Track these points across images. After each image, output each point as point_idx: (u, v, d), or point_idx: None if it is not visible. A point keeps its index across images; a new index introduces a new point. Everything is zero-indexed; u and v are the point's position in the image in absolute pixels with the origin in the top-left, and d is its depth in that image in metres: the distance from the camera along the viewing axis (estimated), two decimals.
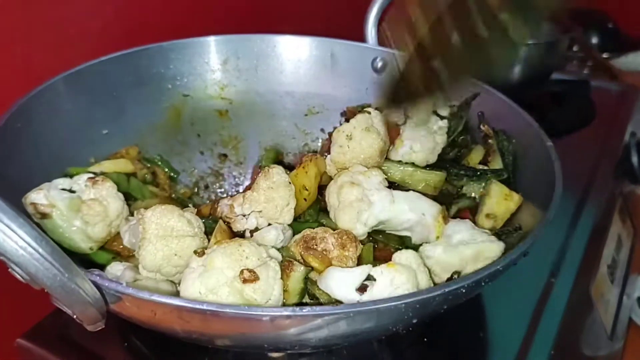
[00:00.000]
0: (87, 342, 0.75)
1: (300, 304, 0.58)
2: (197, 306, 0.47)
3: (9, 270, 0.50)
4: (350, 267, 0.59)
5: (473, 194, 0.77)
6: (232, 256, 0.55)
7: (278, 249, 0.60)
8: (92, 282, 0.48)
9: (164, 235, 0.56)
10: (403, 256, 0.62)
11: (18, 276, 0.49)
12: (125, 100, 0.93)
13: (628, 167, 1.35)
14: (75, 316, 0.47)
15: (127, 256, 0.66)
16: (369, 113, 0.76)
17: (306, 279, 0.58)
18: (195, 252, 0.57)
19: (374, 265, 0.58)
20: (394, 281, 0.57)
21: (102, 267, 0.66)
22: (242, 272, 0.53)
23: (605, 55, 2.32)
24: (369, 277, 0.58)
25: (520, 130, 0.84)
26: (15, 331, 0.76)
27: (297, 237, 0.63)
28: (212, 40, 1.01)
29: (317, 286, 0.58)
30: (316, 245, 0.60)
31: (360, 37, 1.08)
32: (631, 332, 1.15)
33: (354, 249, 0.60)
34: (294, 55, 1.04)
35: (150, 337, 0.74)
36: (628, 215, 1.21)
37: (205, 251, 0.57)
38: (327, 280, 0.57)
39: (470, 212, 0.76)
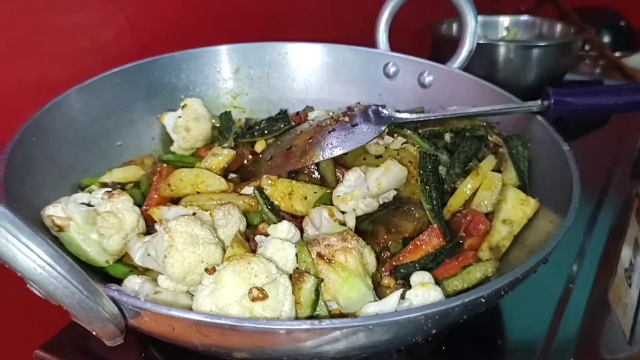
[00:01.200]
0: (104, 354, 0.75)
1: (313, 316, 0.58)
2: (216, 320, 0.47)
3: (27, 285, 0.51)
4: (356, 257, 0.60)
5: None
6: (241, 274, 0.54)
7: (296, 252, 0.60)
8: (110, 298, 0.48)
9: (191, 243, 0.57)
10: (427, 276, 0.64)
11: (36, 292, 0.49)
12: (138, 111, 0.94)
13: None
14: (94, 332, 0.47)
15: (144, 270, 0.66)
16: None
17: (318, 290, 0.57)
18: (206, 269, 0.57)
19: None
20: (429, 299, 0.59)
21: (119, 281, 0.66)
22: (250, 290, 0.53)
23: (618, 54, 2.29)
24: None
25: (536, 135, 0.84)
26: (34, 342, 0.76)
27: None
28: (223, 49, 1.01)
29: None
30: (319, 243, 0.61)
31: (372, 43, 1.07)
32: None
33: (355, 241, 0.63)
34: (305, 63, 1.05)
35: (168, 349, 0.74)
36: None
37: (216, 268, 0.57)
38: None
39: (487, 217, 0.75)
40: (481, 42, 1.32)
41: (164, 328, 0.51)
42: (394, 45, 1.07)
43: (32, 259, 0.40)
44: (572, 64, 1.36)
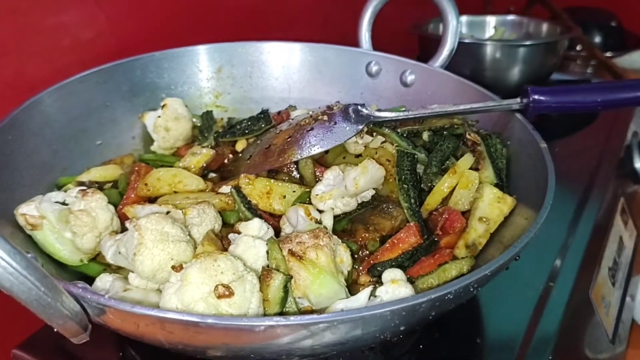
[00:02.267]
0: (81, 353, 0.75)
1: (282, 313, 0.57)
2: (179, 317, 0.47)
3: None
4: (327, 254, 0.60)
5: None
6: (207, 271, 0.54)
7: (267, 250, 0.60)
8: (74, 295, 0.47)
9: (160, 240, 0.56)
10: (398, 273, 0.64)
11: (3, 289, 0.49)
12: (120, 110, 0.94)
13: (630, 168, 1.34)
14: (55, 329, 0.47)
15: (117, 268, 0.66)
16: None
17: (286, 287, 0.57)
18: (173, 267, 0.57)
19: None
20: (400, 296, 0.59)
21: (93, 280, 0.66)
22: (216, 287, 0.53)
23: (608, 54, 2.29)
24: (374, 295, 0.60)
25: (515, 133, 0.84)
26: (11, 342, 0.76)
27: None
28: (204, 48, 1.01)
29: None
30: (291, 240, 0.61)
31: (355, 42, 1.07)
32: (634, 334, 1.13)
33: (327, 238, 0.62)
34: (287, 62, 1.05)
35: (145, 348, 0.74)
36: (630, 217, 1.19)
37: (183, 265, 0.57)
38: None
39: (464, 214, 0.75)
40: (467, 41, 1.32)
41: (129, 325, 0.51)
42: (383, 45, 1.07)
43: None
44: (558, 63, 1.36)
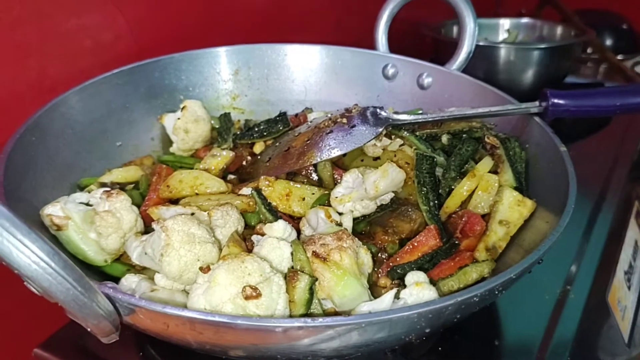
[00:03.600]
0: (102, 352, 0.76)
1: (308, 314, 0.58)
2: (209, 318, 0.48)
3: (25, 283, 0.51)
4: (351, 256, 0.60)
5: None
6: (235, 273, 0.55)
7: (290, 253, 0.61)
8: (105, 295, 0.48)
9: (187, 241, 0.57)
10: (421, 276, 0.65)
11: (33, 289, 0.49)
12: (138, 112, 0.95)
13: None
14: (89, 329, 0.47)
15: (142, 268, 0.66)
16: None
17: (312, 289, 0.58)
18: (200, 268, 0.58)
19: None
20: (424, 298, 0.59)
21: (117, 280, 0.66)
22: (244, 289, 0.54)
23: (620, 57, 2.29)
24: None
25: (534, 137, 0.84)
26: (33, 341, 0.77)
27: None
28: (223, 50, 1.02)
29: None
30: (315, 242, 0.62)
31: (371, 45, 1.08)
32: None
33: (350, 240, 0.63)
34: (304, 64, 1.05)
35: (165, 347, 0.74)
36: None
37: (211, 266, 0.57)
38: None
39: (483, 218, 0.75)
40: (481, 44, 1.32)
41: (159, 325, 0.52)
42: (397, 47, 1.07)
43: (27, 256, 0.40)
44: (572, 66, 1.36)
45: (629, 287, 1.04)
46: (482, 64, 1.29)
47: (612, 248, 1.00)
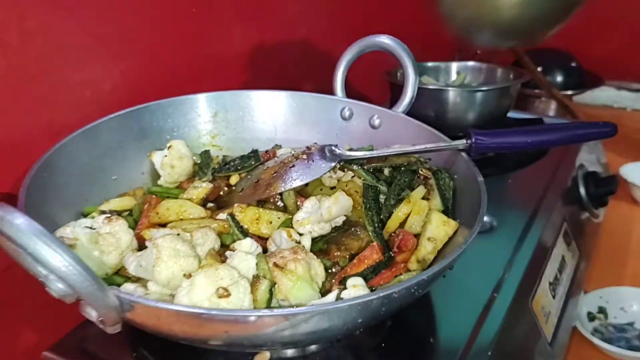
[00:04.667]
0: (102, 353, 0.91)
1: None
2: (192, 310, 0.64)
3: (46, 289, 0.67)
4: (304, 265, 0.76)
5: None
6: (211, 278, 0.71)
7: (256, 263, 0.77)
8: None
9: (174, 255, 0.73)
10: (359, 280, 0.82)
11: (53, 293, 0.65)
12: (131, 150, 1.10)
13: (576, 196, 1.52)
14: (100, 319, 0.63)
15: (137, 279, 0.82)
16: None
17: (271, 291, 0.74)
18: (184, 275, 0.74)
19: None
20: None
21: None
22: (217, 289, 0.70)
23: (570, 92, 2.51)
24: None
25: (460, 168, 1.01)
26: (42, 345, 0.91)
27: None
28: (203, 96, 1.19)
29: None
30: (275, 255, 0.79)
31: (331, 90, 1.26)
32: (576, 340, 1.30)
33: (304, 254, 0.80)
34: (273, 108, 1.23)
35: (156, 348, 0.89)
36: (573, 238, 1.37)
37: (192, 274, 0.74)
38: None
39: (416, 236, 0.92)
40: (431, 87, 1.52)
41: (152, 319, 0.67)
42: (361, 88, 1.24)
43: (60, 260, 0.56)
44: (512, 103, 1.55)
45: (553, 296, 1.21)
46: (433, 103, 1.47)
47: (536, 262, 1.18)
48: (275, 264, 0.77)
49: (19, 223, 0.57)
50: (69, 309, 0.89)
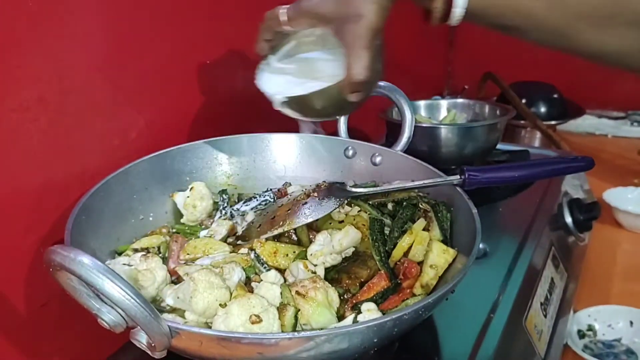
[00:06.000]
0: None
1: None
2: (230, 335, 0.74)
3: (98, 320, 0.76)
4: (323, 293, 0.86)
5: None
6: (244, 306, 0.81)
7: (280, 292, 0.87)
8: None
9: (209, 287, 0.83)
10: (372, 305, 0.91)
11: (105, 324, 0.75)
12: (155, 192, 1.21)
13: (562, 222, 1.64)
14: (152, 345, 0.72)
15: (172, 310, 0.91)
16: None
17: (296, 317, 0.84)
18: (220, 304, 0.84)
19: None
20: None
21: None
22: (250, 316, 0.80)
23: (553, 123, 2.64)
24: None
25: (456, 201, 1.12)
26: None
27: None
28: (219, 140, 1.30)
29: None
30: (297, 284, 0.90)
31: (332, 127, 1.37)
32: (567, 357, 1.40)
33: (322, 282, 0.90)
34: (283, 149, 1.34)
35: None
36: (560, 262, 1.48)
37: (227, 304, 0.83)
38: None
39: (419, 264, 1.03)
40: (424, 125, 1.64)
41: (195, 344, 0.77)
42: (359, 126, 1.35)
43: (121, 293, 0.66)
44: (499, 137, 1.68)
45: (545, 315, 1.32)
46: (427, 140, 1.59)
47: (528, 284, 1.28)
48: (298, 292, 0.87)
49: (87, 262, 0.67)
50: (98, 342, 1.00)
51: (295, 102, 1.03)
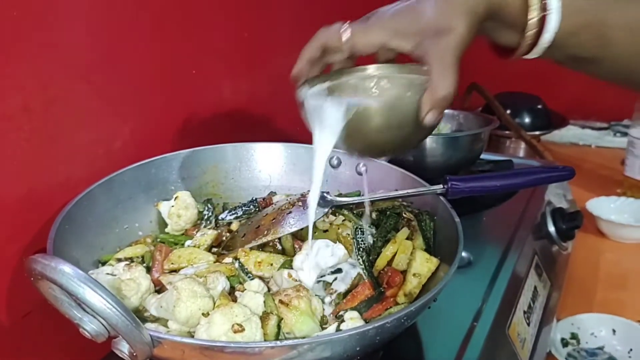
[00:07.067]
0: None
1: None
2: (212, 344, 0.74)
3: (80, 330, 0.76)
4: (306, 302, 0.87)
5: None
6: (226, 315, 0.81)
7: (263, 301, 0.87)
8: None
9: (192, 296, 0.83)
10: (354, 314, 0.92)
11: (87, 333, 0.75)
12: (140, 201, 1.20)
13: (545, 231, 1.65)
14: (134, 354, 0.72)
15: (155, 319, 0.91)
16: None
17: (279, 325, 0.84)
18: (202, 314, 0.84)
19: None
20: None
21: None
22: (233, 325, 0.80)
23: (538, 133, 2.67)
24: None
25: (439, 211, 1.14)
26: None
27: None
28: (204, 149, 1.30)
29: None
30: (280, 293, 0.90)
31: None
32: None
33: (305, 291, 0.90)
34: (268, 158, 1.35)
35: None
36: (544, 270, 1.49)
37: (210, 313, 0.83)
38: None
39: (402, 273, 1.04)
40: None
41: (177, 353, 0.77)
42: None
43: (103, 303, 0.66)
44: (483, 147, 1.70)
45: (528, 324, 1.33)
46: (413, 149, 1.61)
47: (511, 293, 1.29)
48: (281, 301, 0.87)
49: (68, 271, 0.67)
50: (81, 353, 0.99)
51: (354, 125, 0.82)
